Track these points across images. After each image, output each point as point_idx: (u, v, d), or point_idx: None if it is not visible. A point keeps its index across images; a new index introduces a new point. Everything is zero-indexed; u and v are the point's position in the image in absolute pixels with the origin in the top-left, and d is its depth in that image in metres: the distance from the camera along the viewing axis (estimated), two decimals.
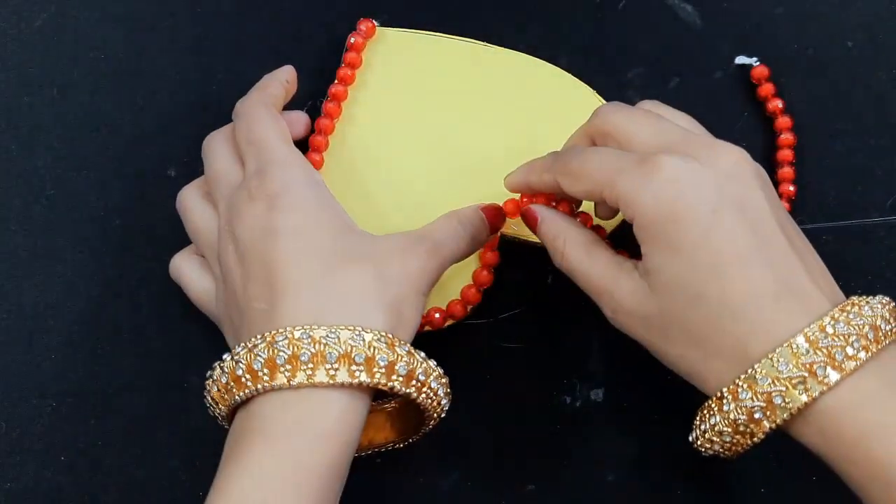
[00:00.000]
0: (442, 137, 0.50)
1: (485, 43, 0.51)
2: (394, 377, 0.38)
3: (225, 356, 0.39)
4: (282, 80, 0.48)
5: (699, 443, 0.40)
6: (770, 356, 0.36)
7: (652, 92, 0.51)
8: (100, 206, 0.50)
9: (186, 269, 0.46)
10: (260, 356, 0.38)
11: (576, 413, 0.47)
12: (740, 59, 0.51)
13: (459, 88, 0.50)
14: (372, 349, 0.38)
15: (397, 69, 0.51)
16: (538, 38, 0.51)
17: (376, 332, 0.39)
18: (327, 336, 0.38)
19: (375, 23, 0.51)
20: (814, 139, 0.51)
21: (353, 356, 0.38)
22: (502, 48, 0.51)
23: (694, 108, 0.51)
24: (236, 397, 0.39)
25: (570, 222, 0.44)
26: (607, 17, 0.53)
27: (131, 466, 0.47)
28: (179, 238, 0.47)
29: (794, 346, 0.36)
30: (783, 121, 0.50)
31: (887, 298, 0.39)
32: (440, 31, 0.51)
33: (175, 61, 0.52)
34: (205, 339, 0.46)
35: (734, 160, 0.39)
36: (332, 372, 0.37)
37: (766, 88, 0.50)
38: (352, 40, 0.50)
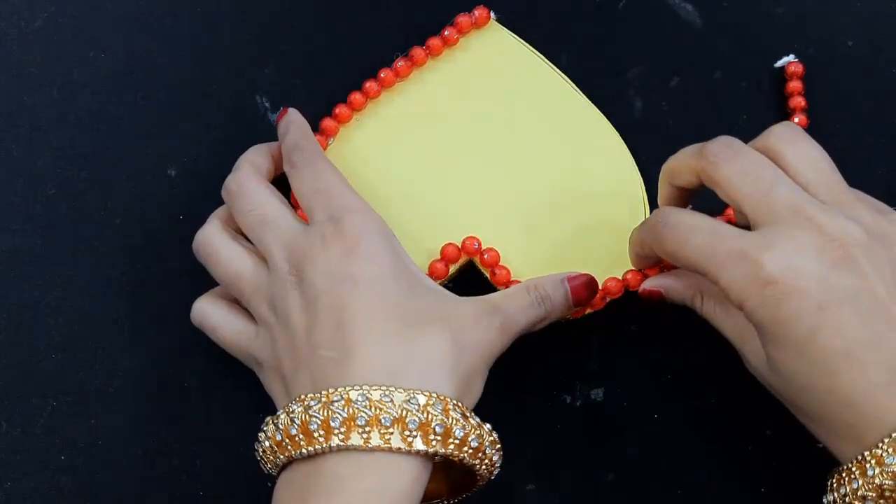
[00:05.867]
0: (469, 149, 0.49)
1: (573, 84, 0.50)
2: (451, 443, 0.38)
3: (280, 413, 0.39)
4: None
5: None
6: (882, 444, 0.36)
7: (652, 92, 0.51)
8: (100, 205, 0.50)
9: (215, 313, 0.45)
10: (338, 413, 0.37)
11: (576, 413, 0.47)
12: (781, 62, 0.50)
13: (513, 110, 0.50)
14: (450, 419, 0.38)
15: (478, 65, 0.50)
16: (538, 37, 0.51)
17: (450, 400, 0.38)
18: (408, 401, 0.37)
19: (492, 14, 0.51)
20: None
21: (432, 425, 0.37)
22: (583, 97, 0.50)
23: (694, 108, 0.51)
24: (303, 451, 0.38)
25: (687, 280, 0.44)
26: (607, 17, 0.53)
27: (131, 466, 0.46)
28: (179, 237, 0.47)
29: None
30: (800, 119, 0.49)
31: None
32: None
33: (175, 61, 0.52)
34: (205, 338, 0.46)
35: (849, 239, 0.37)
36: (409, 438, 0.37)
37: (794, 86, 0.50)
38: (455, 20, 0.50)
